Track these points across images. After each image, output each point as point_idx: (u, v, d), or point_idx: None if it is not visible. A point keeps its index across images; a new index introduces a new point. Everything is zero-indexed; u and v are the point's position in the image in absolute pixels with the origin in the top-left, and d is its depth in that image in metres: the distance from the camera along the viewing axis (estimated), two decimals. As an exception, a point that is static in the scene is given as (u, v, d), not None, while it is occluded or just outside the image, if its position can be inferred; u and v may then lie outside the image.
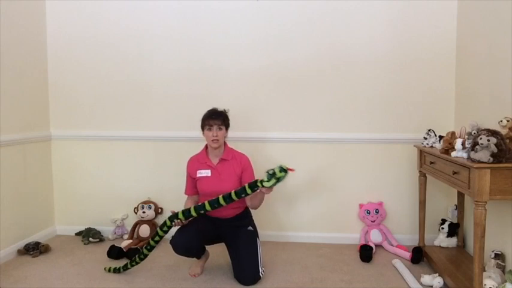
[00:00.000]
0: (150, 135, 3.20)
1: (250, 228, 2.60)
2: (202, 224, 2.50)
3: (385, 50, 2.99)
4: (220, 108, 2.61)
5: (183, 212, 2.36)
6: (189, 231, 2.43)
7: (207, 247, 2.65)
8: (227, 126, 2.59)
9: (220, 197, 2.30)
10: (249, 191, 2.26)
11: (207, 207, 2.31)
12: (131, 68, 3.18)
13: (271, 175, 2.19)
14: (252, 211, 2.69)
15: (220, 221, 2.55)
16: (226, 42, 3.10)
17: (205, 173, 2.56)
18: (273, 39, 3.06)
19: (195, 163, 2.62)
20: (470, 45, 2.72)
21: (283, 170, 2.18)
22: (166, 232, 2.42)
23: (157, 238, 2.42)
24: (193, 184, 2.62)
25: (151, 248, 2.47)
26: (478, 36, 2.59)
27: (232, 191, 2.29)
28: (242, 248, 2.47)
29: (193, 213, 2.35)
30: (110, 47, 3.19)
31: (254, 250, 2.48)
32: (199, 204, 2.36)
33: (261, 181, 2.22)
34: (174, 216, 2.37)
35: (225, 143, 2.63)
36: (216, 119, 2.52)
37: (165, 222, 2.39)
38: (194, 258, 2.60)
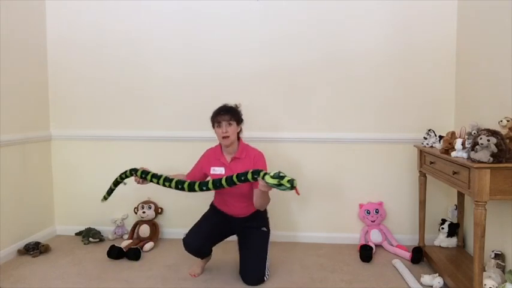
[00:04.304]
0: (150, 135, 3.20)
1: (264, 229, 2.54)
2: (216, 222, 2.51)
3: (386, 50, 2.99)
4: (231, 103, 2.54)
5: (154, 175, 2.40)
6: (204, 233, 2.47)
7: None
8: (238, 120, 2.48)
9: (223, 178, 2.27)
10: (249, 175, 2.19)
11: (210, 186, 2.29)
12: (131, 68, 3.18)
13: (279, 177, 2.09)
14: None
15: (235, 219, 2.52)
16: (228, 43, 3.10)
17: (219, 170, 2.48)
18: (274, 41, 3.06)
19: (211, 157, 2.55)
20: (470, 46, 2.72)
21: (291, 185, 2.08)
22: (123, 179, 2.51)
23: (112, 186, 2.55)
24: (198, 173, 2.57)
25: (110, 192, 2.59)
26: (478, 36, 2.59)
27: (234, 174, 2.25)
28: (252, 249, 2.45)
29: (169, 185, 2.36)
30: (110, 47, 3.19)
31: (263, 252, 2.45)
32: (204, 181, 2.34)
33: (265, 173, 2.14)
34: (136, 171, 2.43)
35: (239, 140, 2.54)
36: (224, 114, 2.43)
37: (125, 171, 2.48)
38: (198, 258, 2.60)
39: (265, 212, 2.61)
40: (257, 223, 2.54)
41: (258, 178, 2.16)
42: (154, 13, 3.13)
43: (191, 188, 2.32)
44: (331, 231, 3.13)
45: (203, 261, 2.60)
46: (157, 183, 2.39)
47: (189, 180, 2.37)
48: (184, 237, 2.48)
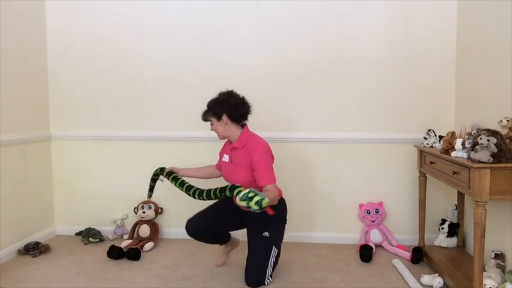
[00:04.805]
0: (150, 135, 3.20)
1: (265, 234, 2.41)
2: (224, 210, 2.50)
3: (386, 50, 2.99)
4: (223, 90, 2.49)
5: (174, 177, 2.49)
6: (206, 218, 2.47)
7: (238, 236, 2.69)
8: (218, 115, 2.38)
9: (212, 191, 2.28)
10: (227, 192, 2.16)
11: (205, 196, 2.31)
12: (131, 68, 3.18)
13: (247, 198, 2.02)
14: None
15: (242, 211, 2.39)
16: (226, 43, 3.10)
17: (225, 158, 2.49)
18: (274, 41, 3.06)
19: (224, 144, 2.58)
20: (470, 45, 2.72)
21: (259, 206, 2.01)
22: (156, 176, 2.58)
23: (150, 187, 2.61)
24: (220, 161, 2.61)
25: (151, 189, 2.66)
26: (478, 35, 2.59)
27: (219, 187, 2.23)
28: (253, 252, 2.43)
29: (180, 188, 2.44)
30: (110, 47, 3.19)
31: (264, 257, 2.39)
32: (201, 190, 2.33)
33: (238, 192, 2.08)
34: (163, 170, 2.55)
35: (244, 128, 2.46)
36: (203, 115, 2.44)
37: (156, 169, 2.59)
38: (218, 245, 2.65)
39: (276, 207, 2.36)
40: (260, 225, 2.42)
41: (234, 195, 2.13)
42: (154, 13, 3.13)
43: (194, 195, 2.37)
44: (331, 231, 3.13)
45: (226, 249, 2.64)
46: (175, 185, 2.48)
47: (195, 187, 2.38)
48: (187, 220, 2.52)
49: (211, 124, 2.43)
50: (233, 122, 2.42)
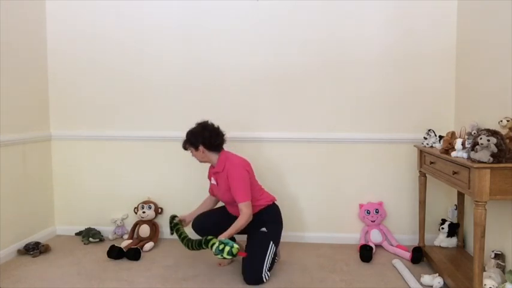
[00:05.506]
0: (150, 135, 3.20)
1: (263, 229, 2.53)
2: (227, 214, 2.62)
3: (386, 50, 2.99)
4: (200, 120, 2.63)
5: (179, 231, 2.55)
6: (211, 216, 2.66)
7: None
8: (194, 145, 2.54)
9: (191, 242, 2.42)
10: (204, 246, 2.31)
11: (188, 246, 2.43)
12: (131, 68, 3.18)
13: (220, 252, 2.21)
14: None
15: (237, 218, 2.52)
16: (227, 43, 3.10)
17: (213, 181, 2.64)
18: (274, 40, 3.06)
19: (209, 168, 2.70)
20: (470, 45, 2.72)
21: (232, 255, 2.22)
22: (178, 230, 2.57)
23: (183, 239, 2.52)
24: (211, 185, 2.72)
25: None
26: (478, 36, 2.59)
27: (196, 241, 2.38)
28: (250, 248, 2.48)
29: (180, 239, 2.51)
30: (110, 47, 3.19)
31: (262, 253, 2.44)
32: (191, 240, 2.44)
33: (212, 245, 2.25)
34: (173, 218, 2.64)
35: (221, 152, 2.59)
36: (183, 144, 2.59)
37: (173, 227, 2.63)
38: None
39: (267, 212, 2.59)
40: (257, 224, 2.52)
41: (209, 248, 2.29)
42: (154, 13, 3.13)
43: (185, 246, 2.45)
44: (331, 231, 3.13)
45: None
46: (176, 233, 2.57)
47: (187, 238, 2.47)
48: (194, 219, 2.68)
49: (191, 152, 2.58)
50: (210, 150, 2.56)
